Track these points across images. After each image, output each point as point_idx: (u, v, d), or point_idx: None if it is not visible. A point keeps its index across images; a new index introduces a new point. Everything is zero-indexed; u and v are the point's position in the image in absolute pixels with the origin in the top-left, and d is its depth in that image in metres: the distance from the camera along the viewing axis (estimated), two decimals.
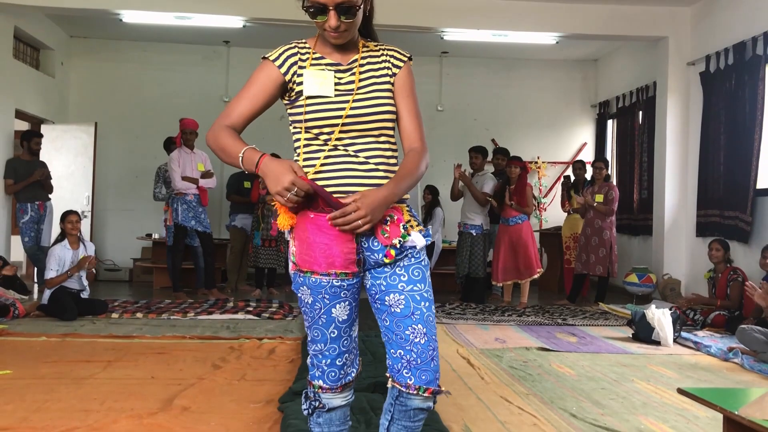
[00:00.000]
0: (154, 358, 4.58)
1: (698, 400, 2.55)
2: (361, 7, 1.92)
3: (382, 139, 2.00)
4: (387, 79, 2.02)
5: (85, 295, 6.36)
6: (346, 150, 1.96)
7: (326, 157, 1.96)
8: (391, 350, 1.98)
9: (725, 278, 6.13)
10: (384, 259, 1.95)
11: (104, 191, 9.64)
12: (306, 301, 1.97)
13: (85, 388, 3.81)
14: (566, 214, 8.66)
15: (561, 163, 10.51)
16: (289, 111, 2.02)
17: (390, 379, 2.00)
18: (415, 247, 1.96)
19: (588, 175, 8.39)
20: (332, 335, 1.97)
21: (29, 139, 7.79)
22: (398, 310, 1.95)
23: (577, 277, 7.80)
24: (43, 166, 7.78)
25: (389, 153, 2.01)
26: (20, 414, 3.29)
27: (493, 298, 7.97)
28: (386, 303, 1.97)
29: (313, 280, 1.93)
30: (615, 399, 3.84)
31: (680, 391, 2.68)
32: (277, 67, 1.99)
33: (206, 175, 7.59)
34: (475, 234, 7.52)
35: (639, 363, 4.84)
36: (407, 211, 2.01)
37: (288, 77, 1.99)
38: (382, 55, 2.05)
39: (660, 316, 5.49)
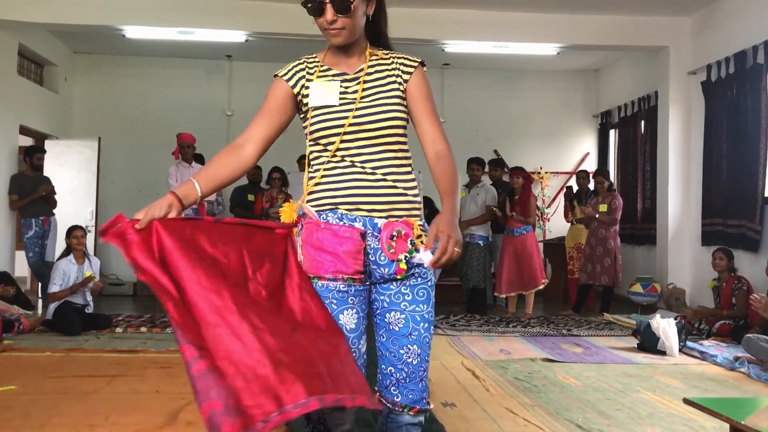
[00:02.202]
0: (158, 372, 4.58)
1: (705, 410, 2.54)
2: (360, 5, 1.91)
3: (391, 147, 1.97)
4: (395, 86, 1.99)
5: (89, 310, 6.37)
6: (353, 162, 1.94)
7: (329, 169, 1.95)
8: (383, 366, 1.97)
9: (729, 287, 6.11)
10: (394, 274, 1.92)
11: (108, 206, 9.61)
12: None
13: (90, 403, 3.80)
14: (569, 224, 8.66)
15: (564, 173, 10.51)
16: (303, 126, 2.03)
17: (378, 394, 1.99)
18: (422, 264, 1.91)
19: (591, 185, 8.40)
20: None
21: (31, 155, 7.81)
22: (397, 329, 1.95)
23: (582, 287, 7.79)
24: (46, 181, 7.80)
25: (398, 162, 1.97)
26: (25, 430, 3.29)
27: (498, 310, 7.94)
28: (386, 320, 1.96)
29: (321, 285, 1.91)
30: (621, 410, 3.82)
31: (686, 401, 2.67)
32: (286, 82, 2.01)
33: None
34: (482, 245, 7.51)
35: (645, 373, 4.82)
36: (419, 226, 1.96)
37: (296, 90, 2.00)
38: (392, 62, 2.03)
39: (665, 326, 5.47)
